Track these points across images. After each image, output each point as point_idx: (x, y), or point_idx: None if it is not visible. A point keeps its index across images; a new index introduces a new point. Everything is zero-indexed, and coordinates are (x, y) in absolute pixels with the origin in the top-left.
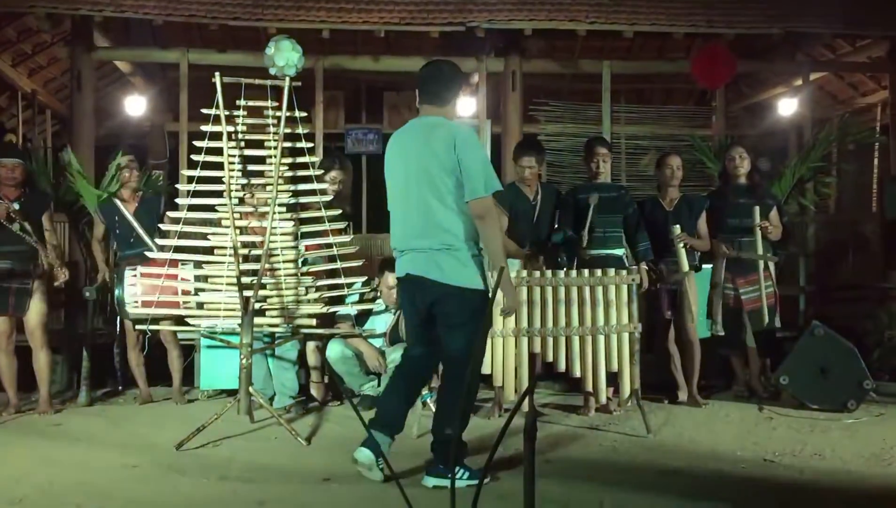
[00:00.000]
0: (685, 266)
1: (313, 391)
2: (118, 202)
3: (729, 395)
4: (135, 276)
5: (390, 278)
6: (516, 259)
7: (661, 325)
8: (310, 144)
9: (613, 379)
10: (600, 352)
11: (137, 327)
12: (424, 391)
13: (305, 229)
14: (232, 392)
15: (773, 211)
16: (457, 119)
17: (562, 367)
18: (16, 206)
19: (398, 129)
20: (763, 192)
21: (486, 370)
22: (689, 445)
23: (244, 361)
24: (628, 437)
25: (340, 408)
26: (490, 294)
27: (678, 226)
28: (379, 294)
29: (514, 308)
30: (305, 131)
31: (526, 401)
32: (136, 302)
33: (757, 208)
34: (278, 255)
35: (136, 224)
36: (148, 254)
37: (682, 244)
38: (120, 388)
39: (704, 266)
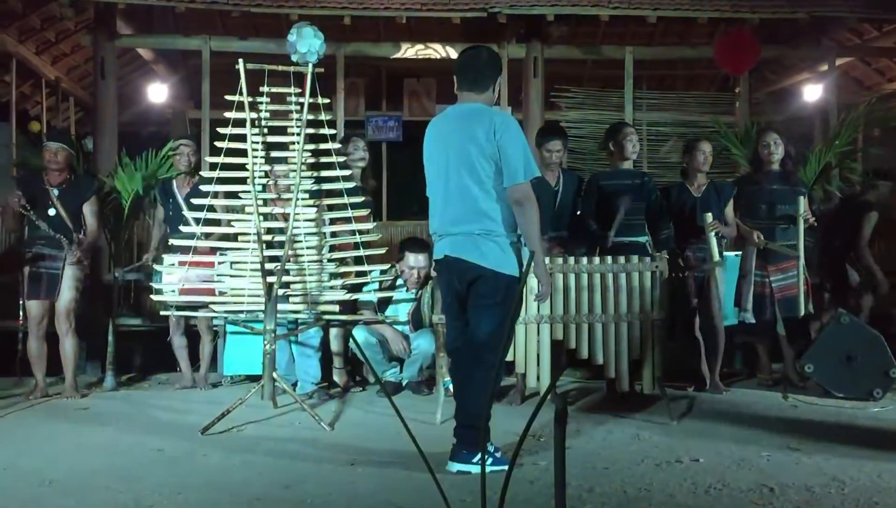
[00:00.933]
0: (716, 255)
1: (336, 378)
2: (174, 185)
3: (752, 383)
4: (172, 264)
5: (410, 259)
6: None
7: (686, 312)
8: (332, 131)
9: (637, 367)
10: (623, 339)
11: (162, 311)
12: (447, 377)
13: (328, 215)
14: (255, 378)
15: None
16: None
17: (584, 354)
18: (55, 192)
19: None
20: (796, 179)
21: (508, 357)
22: (712, 432)
23: (268, 347)
24: (651, 424)
25: (363, 394)
26: (521, 281)
27: (710, 214)
28: (400, 274)
29: (549, 294)
30: (328, 118)
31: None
32: (173, 289)
33: (802, 199)
34: (301, 241)
35: (185, 209)
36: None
37: (713, 232)
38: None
39: (730, 254)
